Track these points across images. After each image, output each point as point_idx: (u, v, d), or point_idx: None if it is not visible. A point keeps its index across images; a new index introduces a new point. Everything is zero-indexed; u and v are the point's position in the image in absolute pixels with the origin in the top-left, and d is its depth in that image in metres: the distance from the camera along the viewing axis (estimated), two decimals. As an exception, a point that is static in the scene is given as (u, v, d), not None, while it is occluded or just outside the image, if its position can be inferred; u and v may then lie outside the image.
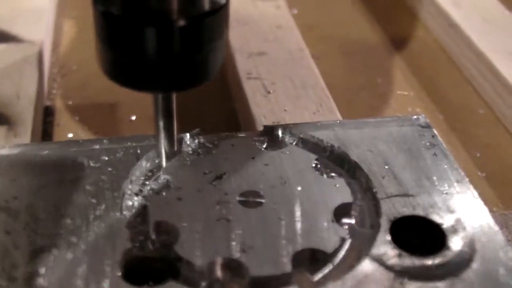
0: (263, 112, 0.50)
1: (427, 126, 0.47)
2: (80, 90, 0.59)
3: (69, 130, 0.54)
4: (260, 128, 0.48)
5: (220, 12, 0.35)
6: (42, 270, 0.35)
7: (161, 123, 0.40)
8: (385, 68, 0.65)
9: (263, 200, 0.40)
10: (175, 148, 0.42)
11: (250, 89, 0.53)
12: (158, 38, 0.34)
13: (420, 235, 0.40)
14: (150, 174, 0.42)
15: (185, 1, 0.34)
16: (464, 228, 0.39)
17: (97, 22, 0.35)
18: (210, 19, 0.35)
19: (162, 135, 0.40)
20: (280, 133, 0.45)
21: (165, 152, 0.41)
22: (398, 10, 0.75)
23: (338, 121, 0.47)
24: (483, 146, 0.56)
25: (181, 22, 0.34)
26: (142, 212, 0.39)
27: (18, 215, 0.38)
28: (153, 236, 0.38)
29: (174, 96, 0.39)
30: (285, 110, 0.51)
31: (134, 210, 0.39)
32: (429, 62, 0.66)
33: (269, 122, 0.49)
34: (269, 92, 0.53)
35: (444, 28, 0.68)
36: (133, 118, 0.56)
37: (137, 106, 0.57)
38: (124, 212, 0.39)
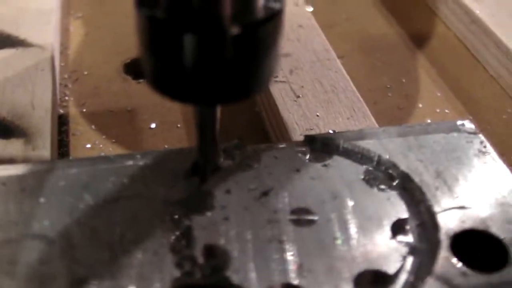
0: (295, 118, 0.48)
1: (475, 132, 0.44)
2: (94, 97, 0.56)
3: (86, 140, 0.51)
4: (294, 135, 0.46)
5: (273, 20, 0.33)
6: (85, 303, 0.32)
7: (203, 136, 0.37)
8: (408, 67, 0.63)
9: (315, 218, 0.37)
10: (218, 162, 0.39)
11: (278, 93, 0.50)
12: (205, 47, 0.31)
13: (479, 250, 0.37)
14: (190, 192, 0.39)
15: (238, 8, 0.31)
16: (526, 242, 0.37)
17: (141, 28, 0.32)
18: (263, 28, 0.32)
19: (205, 148, 0.38)
20: (322, 142, 0.42)
21: (207, 166, 0.39)
22: (414, 5, 0.73)
23: (382, 129, 0.44)
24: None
25: (233, 31, 0.31)
26: (187, 235, 0.36)
27: (52, 242, 0.35)
28: (201, 261, 0.35)
29: (218, 108, 0.36)
30: (317, 115, 0.48)
31: (178, 233, 0.36)
32: (453, 60, 0.64)
33: (302, 128, 0.47)
34: (298, 97, 0.50)
35: (466, 24, 0.66)
36: (153, 125, 0.53)
37: (155, 112, 0.54)
38: (168, 236, 0.36)
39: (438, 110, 0.57)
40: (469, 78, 0.62)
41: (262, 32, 0.32)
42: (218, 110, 0.37)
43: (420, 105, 0.58)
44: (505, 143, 0.54)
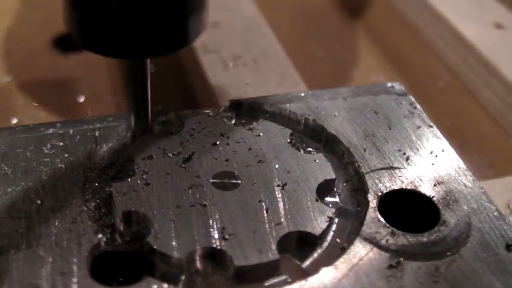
0: (224, 87, 0.47)
1: (404, 94, 0.44)
2: (22, 71, 0.54)
3: (12, 115, 0.49)
4: (224, 104, 0.45)
5: None
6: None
7: (133, 94, 0.36)
8: (343, 36, 0.62)
9: (239, 181, 0.36)
10: (149, 123, 0.38)
11: (208, 63, 0.49)
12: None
13: (410, 210, 0.37)
14: (111, 158, 0.38)
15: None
16: (456, 200, 0.36)
17: None
18: None
19: (135, 108, 0.37)
20: (248, 107, 0.41)
21: (135, 129, 0.38)
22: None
23: (310, 92, 0.43)
24: (451, 114, 0.54)
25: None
26: (107, 202, 0.35)
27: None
28: (122, 228, 0.34)
29: (148, 64, 0.35)
30: (247, 84, 0.47)
31: (97, 200, 0.35)
32: (387, 28, 0.64)
33: (232, 97, 0.46)
34: (228, 66, 0.49)
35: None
36: (81, 100, 0.51)
37: (84, 87, 0.53)
38: (87, 203, 0.35)
39: (372, 78, 0.57)
40: (403, 46, 0.62)
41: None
42: (148, 66, 0.36)
43: (355, 73, 0.57)
44: (441, 110, 0.54)
